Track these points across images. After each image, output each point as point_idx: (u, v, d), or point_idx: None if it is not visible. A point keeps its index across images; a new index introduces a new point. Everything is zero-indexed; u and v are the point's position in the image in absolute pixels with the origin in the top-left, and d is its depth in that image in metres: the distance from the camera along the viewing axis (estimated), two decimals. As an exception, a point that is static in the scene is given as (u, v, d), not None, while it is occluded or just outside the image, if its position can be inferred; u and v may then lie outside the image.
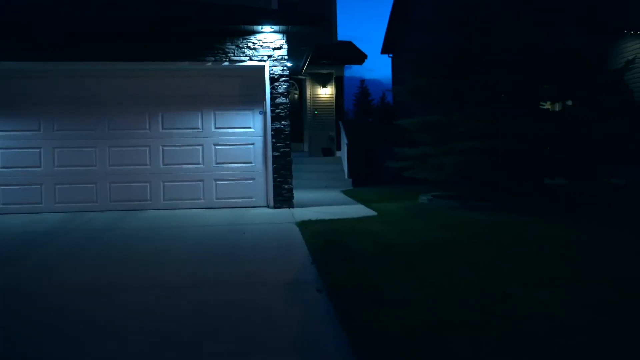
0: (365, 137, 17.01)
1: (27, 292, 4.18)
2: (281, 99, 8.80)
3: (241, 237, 6.43)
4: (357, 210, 8.63)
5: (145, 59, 8.55)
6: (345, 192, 12.17)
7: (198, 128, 8.90)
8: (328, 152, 16.21)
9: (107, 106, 8.77)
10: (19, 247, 6.00)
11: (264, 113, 8.91)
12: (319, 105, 16.48)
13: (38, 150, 8.68)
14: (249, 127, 8.98)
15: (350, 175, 14.38)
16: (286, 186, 8.81)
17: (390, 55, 27.39)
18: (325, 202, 10.01)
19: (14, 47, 8.30)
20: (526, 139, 8.34)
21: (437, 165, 9.15)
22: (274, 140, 8.78)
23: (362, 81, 53.47)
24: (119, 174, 8.75)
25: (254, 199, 8.98)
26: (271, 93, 8.79)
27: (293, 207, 8.80)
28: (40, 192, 8.67)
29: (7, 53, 8.31)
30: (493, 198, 9.00)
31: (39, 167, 8.68)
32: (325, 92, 16.34)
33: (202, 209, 8.76)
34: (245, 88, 8.99)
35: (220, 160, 8.92)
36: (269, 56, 8.77)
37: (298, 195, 9.14)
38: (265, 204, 8.96)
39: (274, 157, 8.78)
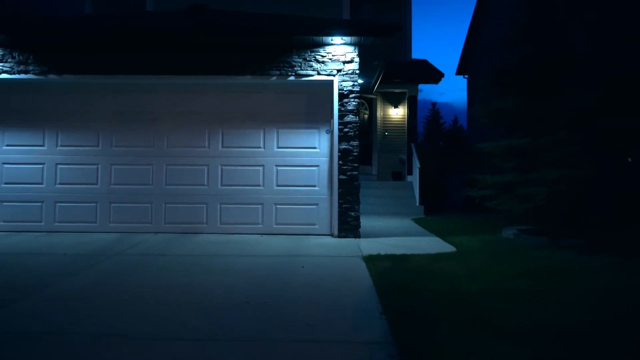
0: (436, 162, 15.85)
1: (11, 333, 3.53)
2: (350, 117, 7.98)
3: (298, 271, 5.58)
4: (432, 244, 7.57)
5: (205, 73, 8.05)
6: (417, 221, 11.09)
7: (260, 147, 8.25)
8: (398, 176, 15.18)
9: (165, 122, 8.32)
10: (48, 273, 5.47)
11: (331, 132, 8.13)
12: (389, 126, 15.56)
13: (95, 167, 8.33)
14: (314, 147, 8.22)
15: (421, 202, 13.30)
16: (352, 213, 7.91)
17: (466, 76, 26.06)
18: (396, 231, 9.02)
19: (70, 59, 8.07)
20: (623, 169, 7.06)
21: (524, 195, 7.94)
22: (340, 162, 7.95)
23: (434, 104, 52.08)
24: (175, 194, 8.23)
25: (316, 226, 8.14)
26: (339, 110, 7.99)
27: (359, 237, 7.88)
28: (95, 210, 8.29)
29: (65, 65, 8.08)
30: (584, 234, 7.67)
31: (96, 184, 8.32)
32: (397, 113, 15.40)
33: (259, 235, 8.04)
34: (312, 105, 8.25)
35: (282, 183, 8.19)
36: (339, 70, 8.01)
37: (365, 222, 8.22)
38: (328, 232, 8.10)
39: (340, 180, 7.94)
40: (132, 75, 8.10)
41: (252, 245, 7.26)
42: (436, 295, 4.65)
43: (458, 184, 15.76)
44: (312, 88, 8.24)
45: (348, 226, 7.90)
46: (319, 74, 8.01)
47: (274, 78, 8.03)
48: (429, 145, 27.06)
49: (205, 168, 8.25)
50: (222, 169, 8.24)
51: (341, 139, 7.97)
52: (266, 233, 8.12)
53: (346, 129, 7.98)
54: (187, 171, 8.25)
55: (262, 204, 8.19)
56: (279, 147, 8.23)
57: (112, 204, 8.27)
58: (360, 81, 8.12)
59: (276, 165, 8.21)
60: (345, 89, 8.00)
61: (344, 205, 7.92)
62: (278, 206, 8.18)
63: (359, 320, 3.98)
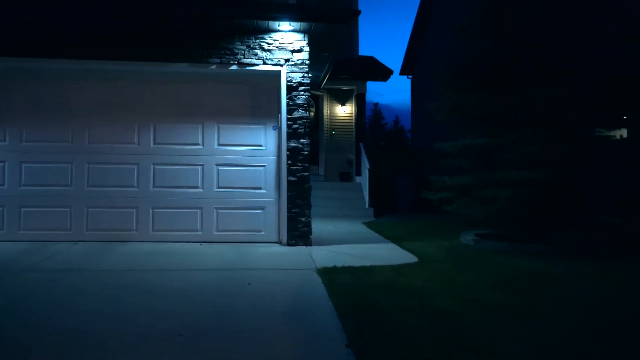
0: (384, 162, 15.40)
1: None
2: (300, 112, 7.21)
3: (244, 290, 4.76)
4: (391, 252, 6.93)
5: (135, 59, 7.03)
6: (369, 225, 10.49)
7: (198, 144, 7.31)
8: (346, 177, 14.58)
9: (87, 114, 7.21)
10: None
11: (279, 129, 7.32)
12: (336, 124, 14.92)
13: (2, 164, 7.10)
14: (260, 145, 7.38)
15: (371, 204, 12.76)
16: (303, 219, 7.14)
17: (410, 76, 25.97)
18: (349, 237, 8.34)
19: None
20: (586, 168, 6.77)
21: (486, 198, 7.47)
22: (289, 162, 7.16)
23: (376, 104, 52.20)
24: (99, 196, 7.14)
25: (263, 233, 7.31)
26: (288, 104, 7.20)
27: (311, 245, 7.12)
28: (2, 216, 7.06)
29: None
30: (546, 239, 7.32)
31: (2, 185, 7.09)
32: (344, 111, 14.79)
33: (198, 243, 7.11)
34: (257, 98, 7.41)
35: (224, 185, 7.30)
36: (287, 60, 7.22)
37: (315, 226, 7.48)
38: (276, 240, 7.30)
39: (289, 182, 7.15)
40: (45, 59, 6.94)
41: (190, 256, 6.33)
42: (407, 316, 3.98)
43: (406, 185, 15.37)
44: (257, 79, 7.41)
45: (298, 233, 7.12)
46: (264, 63, 7.19)
47: (214, 67, 7.13)
48: (374, 145, 26.68)
49: (135, 167, 7.22)
50: (154, 169, 7.24)
51: (290, 136, 7.19)
52: (206, 241, 7.20)
53: (295, 125, 7.20)
54: (114, 170, 7.19)
55: (201, 207, 7.26)
56: (220, 145, 7.33)
57: (22, 209, 7.08)
58: (309, 74, 7.36)
59: (217, 165, 7.31)
60: (294, 81, 7.22)
61: (293, 210, 7.14)
62: (219, 210, 7.28)
63: (321, 357, 3.22)
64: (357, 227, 9.99)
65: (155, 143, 7.26)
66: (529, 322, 3.95)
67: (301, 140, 7.20)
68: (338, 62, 11.99)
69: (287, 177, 7.15)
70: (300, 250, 6.78)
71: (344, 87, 14.26)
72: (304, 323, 3.88)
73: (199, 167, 7.29)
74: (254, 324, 3.80)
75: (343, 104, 14.70)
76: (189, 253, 6.49)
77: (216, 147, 7.33)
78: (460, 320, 3.94)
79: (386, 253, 6.82)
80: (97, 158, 7.17)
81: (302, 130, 7.20)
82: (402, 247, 7.34)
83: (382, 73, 14.24)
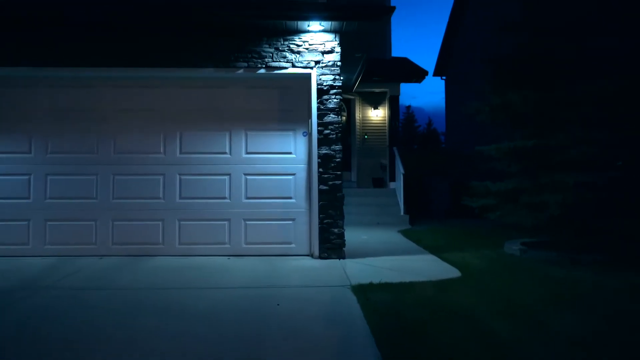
0: (419, 166, 14.84)
1: None
2: (331, 117, 6.81)
3: (273, 310, 4.36)
4: (430, 265, 6.44)
5: (159, 65, 6.77)
6: (405, 233, 9.99)
7: (225, 153, 6.99)
8: (379, 183, 14.09)
9: (112, 123, 6.99)
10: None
11: (309, 135, 6.94)
12: (369, 129, 14.46)
13: (27, 177, 6.94)
14: (289, 153, 7.01)
15: (406, 211, 12.23)
16: (336, 230, 6.73)
17: (444, 77, 25.30)
18: (384, 248, 7.87)
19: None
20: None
21: (533, 204, 6.89)
22: (320, 169, 6.76)
23: (408, 107, 51.41)
24: (124, 209, 6.90)
25: (293, 245, 6.93)
26: (319, 109, 6.81)
27: (344, 258, 6.70)
28: (27, 230, 6.90)
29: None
30: (599, 247, 6.69)
31: (28, 198, 6.93)
32: (377, 114, 14.32)
33: (226, 257, 6.78)
34: (286, 103, 7.05)
35: (252, 195, 6.95)
36: (317, 62, 6.83)
37: (347, 235, 7.05)
38: (307, 252, 6.90)
39: (320, 191, 6.75)
40: (65, 68, 6.75)
41: (217, 271, 6.00)
42: (457, 345, 3.50)
43: (442, 189, 14.78)
44: (286, 82, 7.05)
45: (330, 245, 6.71)
46: (293, 66, 6.82)
47: (241, 71, 6.80)
48: (408, 148, 26.08)
49: (161, 178, 6.95)
50: (180, 179, 6.95)
51: (321, 142, 6.79)
52: (234, 254, 6.86)
53: (327, 131, 6.80)
54: (139, 182, 6.93)
55: (228, 219, 6.93)
56: (248, 153, 7.00)
57: (48, 222, 6.90)
58: (341, 77, 6.94)
59: (245, 174, 6.97)
60: (325, 84, 6.83)
61: (325, 221, 6.73)
62: (248, 222, 6.93)
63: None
64: (393, 236, 9.51)
65: (181, 152, 6.98)
66: (611, 353, 3.42)
67: (333, 147, 6.79)
68: (370, 64, 11.55)
69: (319, 185, 6.75)
70: (332, 264, 6.36)
71: (377, 90, 13.80)
72: (336, 351, 3.46)
73: (227, 177, 6.97)
74: (280, 353, 3.40)
75: (376, 107, 14.23)
76: (216, 268, 6.16)
77: (244, 155, 6.99)
78: (526, 350, 3.43)
79: (425, 266, 6.33)
80: (122, 169, 6.94)
81: (334, 135, 6.80)
82: (443, 258, 6.84)
83: (416, 74, 13.72)
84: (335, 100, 6.83)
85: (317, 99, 6.82)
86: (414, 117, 51.34)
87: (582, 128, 6.51)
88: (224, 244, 6.92)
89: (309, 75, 6.86)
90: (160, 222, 6.90)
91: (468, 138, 18.86)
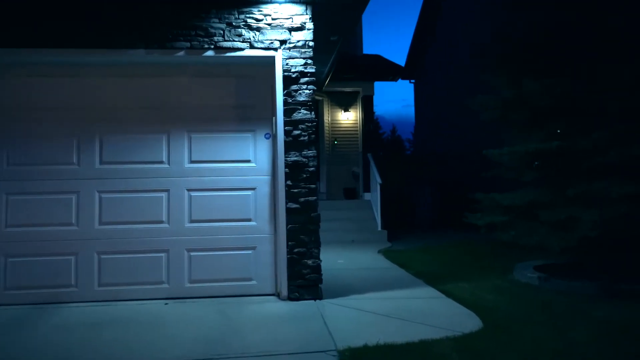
0: (395, 174, 13.39)
1: None
2: (302, 113, 5.20)
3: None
4: (434, 305, 4.88)
5: (71, 45, 5.01)
6: (387, 254, 8.47)
7: (161, 162, 5.27)
8: (352, 194, 12.55)
9: (8, 122, 5.16)
10: None
11: (273, 137, 5.31)
12: (339, 133, 12.94)
13: None
14: (248, 161, 5.36)
15: (384, 226, 10.74)
16: (310, 262, 5.10)
17: (413, 81, 24.14)
18: (368, 278, 6.31)
19: None
20: None
21: (559, 222, 5.46)
22: (289, 182, 5.14)
23: (373, 113, 50.33)
24: (21, 239, 5.07)
25: (254, 283, 5.26)
26: (286, 103, 5.19)
27: (321, 298, 5.07)
28: None
29: None
30: (635, 271, 5.35)
31: None
32: (348, 117, 12.81)
33: (164, 301, 5.04)
34: (243, 96, 5.40)
35: (198, 217, 5.25)
36: (283, 42, 5.22)
37: (322, 259, 5.41)
38: (272, 291, 5.24)
39: (288, 211, 5.12)
40: None
41: (149, 328, 4.26)
42: None
43: (424, 198, 13.38)
44: (242, 69, 5.40)
45: (303, 282, 5.07)
46: (252, 47, 5.19)
47: (182, 53, 5.12)
48: (382, 155, 24.69)
49: (74, 197, 5.16)
50: (100, 198, 5.18)
51: (289, 146, 5.17)
52: (175, 297, 5.14)
53: (296, 132, 5.18)
54: (43, 203, 5.12)
55: (166, 250, 5.20)
56: (192, 162, 5.30)
57: None
58: (313, 63, 5.34)
59: (188, 190, 5.27)
60: (293, 71, 5.22)
61: (296, 250, 5.10)
62: (193, 253, 5.22)
63: None
64: (375, 259, 7.95)
65: (102, 162, 5.21)
66: None
67: (305, 152, 5.18)
68: (341, 61, 10.04)
69: (286, 203, 5.12)
70: (307, 310, 4.72)
71: (348, 89, 12.30)
72: None
73: (164, 194, 5.25)
74: None
75: (346, 109, 12.72)
76: (148, 322, 4.41)
77: (187, 165, 5.29)
78: None
79: (430, 308, 4.77)
80: (19, 187, 5.11)
81: (306, 137, 5.19)
82: (447, 293, 5.31)
83: (391, 71, 12.30)
84: (307, 91, 5.22)
85: (284, 90, 5.20)
86: (378, 124, 50.33)
87: (622, 123, 5.13)
88: (161, 283, 5.18)
89: (273, 59, 5.23)
90: (72, 257, 5.10)
91: (444, 142, 17.60)
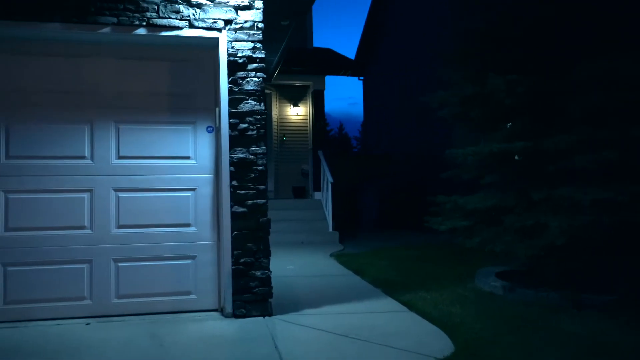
0: (344, 173, 12.94)
1: None
2: (250, 104, 4.57)
3: None
4: (400, 322, 4.39)
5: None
6: (339, 258, 7.96)
7: (83, 157, 4.49)
8: (301, 193, 12.00)
9: None
10: None
11: (217, 130, 4.65)
12: (288, 129, 12.35)
13: None
14: (187, 157, 4.67)
15: (336, 227, 10.26)
16: (258, 273, 4.48)
17: (362, 78, 23.87)
18: (322, 287, 5.79)
19: None
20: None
21: (525, 228, 5.11)
22: (234, 182, 4.50)
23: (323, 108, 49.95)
24: None
25: (193, 297, 4.58)
26: (231, 92, 4.54)
27: (271, 314, 4.46)
28: None
29: None
30: (602, 281, 5.09)
31: None
32: (298, 112, 12.23)
33: (85, 322, 4.29)
34: (181, 83, 4.69)
35: (128, 222, 4.51)
36: (228, 22, 4.57)
37: (271, 264, 4.80)
38: (215, 306, 4.59)
39: (234, 215, 4.48)
40: None
41: (62, 356, 3.52)
42: None
43: (371, 199, 13.01)
44: (181, 52, 4.70)
45: (251, 296, 4.44)
46: (192, 26, 4.50)
47: (107, 29, 4.35)
48: (332, 153, 24.26)
49: (-27, 198, 4.30)
50: (7, 199, 4.34)
51: (235, 141, 4.53)
52: (100, 315, 4.39)
53: (243, 125, 4.55)
54: None
55: (89, 261, 4.43)
56: (120, 157, 4.55)
57: None
58: (262, 48, 4.71)
59: (116, 190, 4.52)
60: (240, 55, 4.57)
61: (242, 260, 4.46)
62: (121, 264, 4.48)
63: None
64: (327, 265, 7.43)
65: (8, 157, 4.37)
66: None
67: (253, 148, 4.56)
68: (291, 52, 9.44)
69: (232, 207, 4.48)
70: (255, 329, 4.11)
71: (298, 83, 11.72)
72: None
73: (86, 195, 4.47)
74: None
75: (296, 104, 12.14)
76: (58, 350, 3.66)
77: (114, 161, 4.53)
78: None
79: (391, 324, 4.27)
80: None
81: (255, 132, 4.56)
82: (410, 306, 4.85)
83: (343, 64, 11.87)
84: (255, 79, 4.59)
85: (229, 77, 4.54)
86: (325, 120, 50.08)
87: (591, 124, 4.82)
88: (82, 299, 4.41)
89: (216, 41, 4.56)
90: (-29, 270, 4.25)
91: (393, 141, 17.35)
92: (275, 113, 12.09)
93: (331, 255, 8.34)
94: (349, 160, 15.85)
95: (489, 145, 5.23)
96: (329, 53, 12.46)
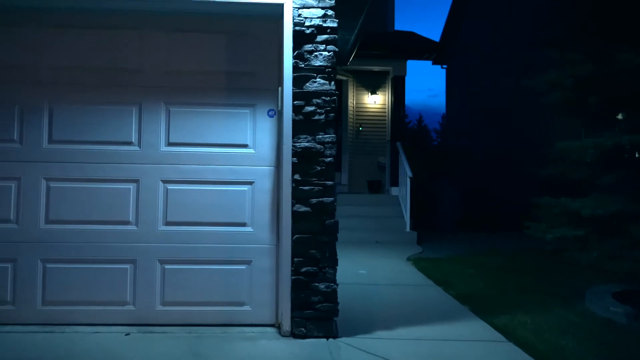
0: (423, 168, 11.91)
1: None
2: (319, 83, 3.83)
3: None
4: (492, 355, 3.49)
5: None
6: (418, 264, 7.08)
7: (130, 143, 3.97)
8: (376, 188, 11.17)
9: None
10: None
11: (279, 114, 3.95)
12: (364, 118, 11.53)
13: None
14: (244, 146, 4.02)
15: (413, 226, 9.36)
16: (322, 286, 3.76)
17: (445, 66, 22.52)
18: (397, 299, 5.02)
19: None
20: None
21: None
22: (297, 176, 3.79)
23: (404, 96, 48.57)
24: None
25: (247, 308, 3.94)
26: (296, 68, 3.82)
27: (336, 336, 3.73)
28: None
29: None
30: None
31: None
32: (375, 101, 11.38)
33: (124, 330, 3.77)
34: (239, 58, 4.04)
35: (176, 218, 3.95)
36: (295, -14, 3.85)
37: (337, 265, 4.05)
38: (271, 321, 3.92)
39: (295, 215, 3.78)
40: None
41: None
42: None
43: (453, 196, 11.91)
44: (240, 23, 4.05)
45: (313, 313, 3.73)
46: (253, -9, 3.83)
47: (157, -4, 3.78)
48: (411, 146, 23.25)
49: (13, 185, 3.90)
50: (48, 188, 3.91)
51: (300, 127, 3.81)
52: (142, 323, 3.86)
53: (310, 108, 3.82)
54: (-28, 192, 3.88)
55: (133, 261, 3.91)
56: (170, 144, 3.98)
57: None
58: (335, 17, 3.94)
59: (164, 181, 3.96)
60: (308, 24, 3.84)
61: (304, 269, 3.76)
62: (167, 266, 3.93)
63: None
64: (405, 271, 6.59)
65: (51, 141, 3.93)
66: None
67: (320, 136, 3.82)
68: (369, 36, 8.62)
69: (293, 205, 3.78)
70: (315, 354, 3.40)
71: (376, 69, 10.85)
72: None
73: (132, 186, 3.95)
74: None
75: (374, 92, 11.28)
76: (90, 366, 3.15)
77: (163, 148, 3.98)
78: None
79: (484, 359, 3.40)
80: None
81: (323, 116, 3.82)
82: (503, 332, 3.97)
83: (427, 47, 10.81)
84: (325, 53, 3.84)
85: (294, 52, 3.83)
86: (405, 110, 48.65)
87: None
88: (124, 304, 3.90)
89: (280, 8, 3.86)
90: (9, 266, 3.86)
91: (478, 135, 16.01)
92: (351, 101, 11.31)
93: (408, 259, 7.48)
94: (428, 154, 14.82)
95: (615, 137, 4.15)
96: (411, 36, 11.46)
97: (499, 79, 13.72)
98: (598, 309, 4.71)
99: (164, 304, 3.91)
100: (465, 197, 11.99)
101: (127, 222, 3.93)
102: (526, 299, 5.11)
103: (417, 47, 10.73)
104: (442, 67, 22.78)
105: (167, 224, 3.94)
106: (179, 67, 4.00)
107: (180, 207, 3.95)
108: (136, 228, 3.93)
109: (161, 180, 3.96)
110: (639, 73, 3.89)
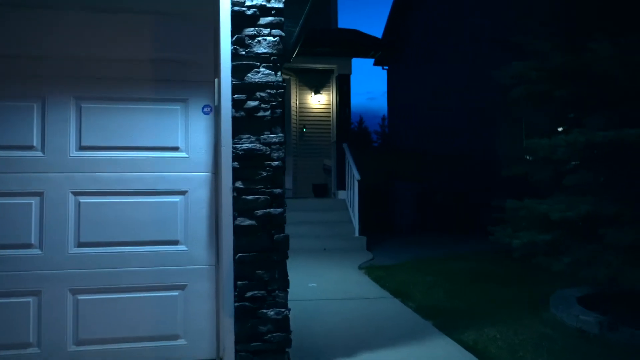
0: (372, 169, 11.56)
1: None
2: (263, 73, 3.26)
3: None
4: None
5: None
6: (369, 271, 6.67)
7: (31, 147, 3.22)
8: (322, 192, 10.69)
9: None
10: None
11: (216, 110, 3.34)
12: (308, 119, 11.05)
13: None
14: (175, 149, 3.37)
15: (362, 231, 8.96)
16: (271, 312, 3.18)
17: (386, 67, 22.55)
18: (353, 316, 4.50)
19: None
20: None
21: (636, 246, 3.73)
22: (239, 183, 3.20)
23: (349, 96, 48.63)
24: None
25: (182, 342, 3.30)
26: (236, 55, 3.23)
27: (289, 370, 3.16)
28: None
29: None
30: None
31: None
32: (320, 101, 10.92)
33: (30, 377, 3.03)
34: (169, 44, 3.39)
35: (92, 238, 3.24)
36: (232, -41, 3.25)
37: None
38: (212, 356, 3.30)
39: (238, 230, 3.18)
40: None
41: None
42: None
43: (407, 198, 11.63)
44: (169, 2, 3.40)
45: (261, 345, 3.14)
46: (182, -36, 3.20)
47: (62, -34, 3.08)
48: (357, 148, 22.95)
49: None
50: None
51: (241, 125, 3.23)
52: (49, 368, 3.13)
53: (253, 102, 3.24)
54: None
55: (37, 292, 3.17)
56: (82, 148, 3.27)
57: None
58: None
59: (75, 194, 3.25)
60: (249, 4, 3.26)
61: (249, 293, 3.17)
62: (81, 297, 3.22)
63: None
64: (358, 282, 6.12)
65: None
66: None
67: (266, 136, 3.25)
68: (312, 32, 8.11)
69: (235, 218, 3.18)
70: (268, 400, 2.82)
71: (320, 67, 10.39)
72: None
73: (33, 200, 3.21)
74: None
75: (318, 91, 10.82)
76: None
77: (74, 153, 3.26)
78: None
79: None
80: None
81: (269, 112, 3.25)
82: (473, 350, 3.55)
83: (372, 45, 10.43)
84: (270, 39, 3.28)
85: (233, 36, 3.24)
86: (350, 109, 48.72)
87: None
88: (27, 346, 3.15)
89: (216, -14, 3.26)
90: None
91: (423, 136, 15.92)
92: (294, 101, 10.78)
93: (360, 267, 7.03)
94: (376, 155, 14.50)
95: (589, 133, 3.84)
96: (355, 34, 11.06)
97: (447, 77, 13.63)
98: (567, 317, 4.41)
99: (77, 343, 3.19)
100: (420, 199, 11.72)
101: (28, 245, 3.18)
102: (491, 309, 4.76)
103: (362, 44, 10.34)
104: (383, 68, 22.85)
105: (80, 245, 3.23)
106: (96, 53, 3.30)
107: (97, 225, 3.25)
108: (40, 252, 3.19)
109: (72, 192, 3.24)
110: (616, 63, 3.60)
